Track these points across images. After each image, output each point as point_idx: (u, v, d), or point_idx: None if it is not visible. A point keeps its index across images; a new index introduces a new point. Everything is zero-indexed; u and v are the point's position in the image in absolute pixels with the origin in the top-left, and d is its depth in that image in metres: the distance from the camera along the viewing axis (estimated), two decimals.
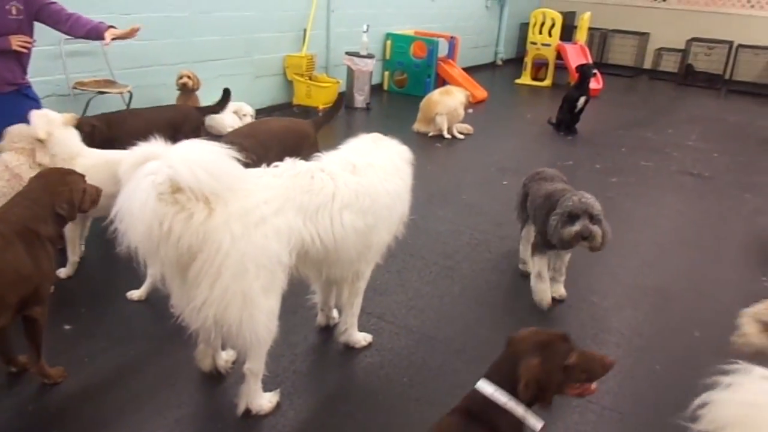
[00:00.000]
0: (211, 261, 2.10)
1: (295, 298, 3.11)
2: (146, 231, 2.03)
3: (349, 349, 2.92)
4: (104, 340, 2.86)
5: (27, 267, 2.28)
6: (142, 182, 2.05)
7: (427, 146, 6.48)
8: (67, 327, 2.92)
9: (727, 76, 11.26)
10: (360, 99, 7.65)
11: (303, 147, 3.91)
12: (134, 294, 3.15)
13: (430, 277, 3.66)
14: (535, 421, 1.73)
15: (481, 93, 8.83)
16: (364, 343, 2.95)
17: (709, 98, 10.49)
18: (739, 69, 11.25)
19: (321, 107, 7.05)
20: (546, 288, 3.33)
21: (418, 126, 6.92)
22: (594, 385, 1.80)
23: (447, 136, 6.78)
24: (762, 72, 11.14)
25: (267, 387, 2.49)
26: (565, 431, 2.49)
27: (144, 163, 2.11)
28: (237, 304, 2.18)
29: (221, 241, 2.09)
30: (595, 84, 9.57)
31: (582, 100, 6.94)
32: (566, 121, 7.21)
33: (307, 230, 2.31)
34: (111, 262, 3.39)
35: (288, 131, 4.10)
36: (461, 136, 6.86)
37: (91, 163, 3.13)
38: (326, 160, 2.51)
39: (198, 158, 2.08)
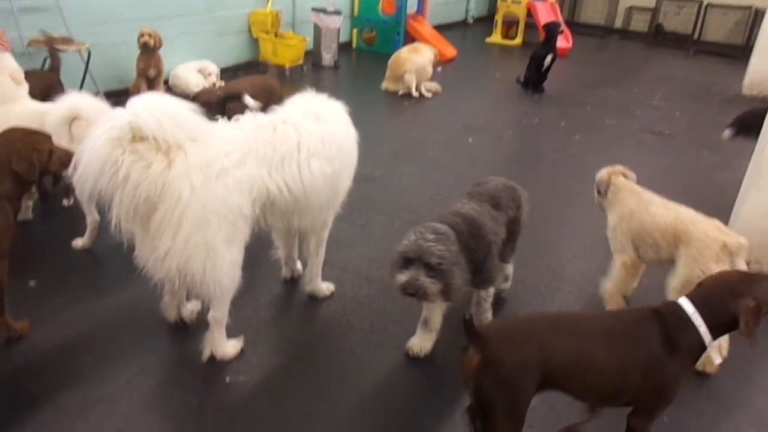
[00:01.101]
0: (171, 211, 2.15)
1: (260, 253, 3.20)
2: (101, 175, 2.07)
3: (312, 299, 3.02)
4: (69, 294, 2.91)
5: None
6: (102, 130, 2.09)
7: (396, 105, 6.50)
8: (32, 283, 2.96)
9: (696, 36, 11.38)
10: (327, 57, 7.58)
11: (271, 101, 3.99)
12: (78, 242, 3.26)
13: (393, 231, 3.75)
14: (716, 355, 2.00)
15: (451, 51, 8.81)
16: (327, 292, 3.04)
17: (677, 58, 10.61)
18: (708, 29, 11.35)
19: (288, 65, 6.99)
20: (428, 338, 2.65)
21: (386, 84, 6.91)
22: None
23: (415, 94, 6.79)
24: (730, 32, 11.26)
25: (231, 334, 2.58)
26: None
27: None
28: (199, 254, 2.24)
29: (181, 192, 2.14)
30: (564, 43, 9.62)
31: (549, 58, 6.99)
32: (534, 80, 7.26)
33: (273, 181, 2.37)
34: (77, 218, 3.40)
35: (255, 87, 4.15)
36: (429, 95, 6.88)
37: (18, 110, 3.16)
38: (288, 111, 2.55)
39: (162, 107, 2.12)
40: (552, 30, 7.07)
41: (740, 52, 10.35)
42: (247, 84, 4.30)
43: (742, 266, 2.50)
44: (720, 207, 3.72)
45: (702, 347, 1.88)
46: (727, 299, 1.87)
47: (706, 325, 1.86)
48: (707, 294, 1.93)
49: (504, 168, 4.93)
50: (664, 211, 2.80)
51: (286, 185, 2.39)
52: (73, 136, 2.78)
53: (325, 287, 3.04)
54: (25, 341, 2.55)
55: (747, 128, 4.22)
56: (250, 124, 2.39)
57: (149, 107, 2.10)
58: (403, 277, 2.25)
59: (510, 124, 6.14)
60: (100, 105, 2.82)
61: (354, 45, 8.89)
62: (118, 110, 2.12)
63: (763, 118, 3.59)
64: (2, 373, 2.41)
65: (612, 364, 1.86)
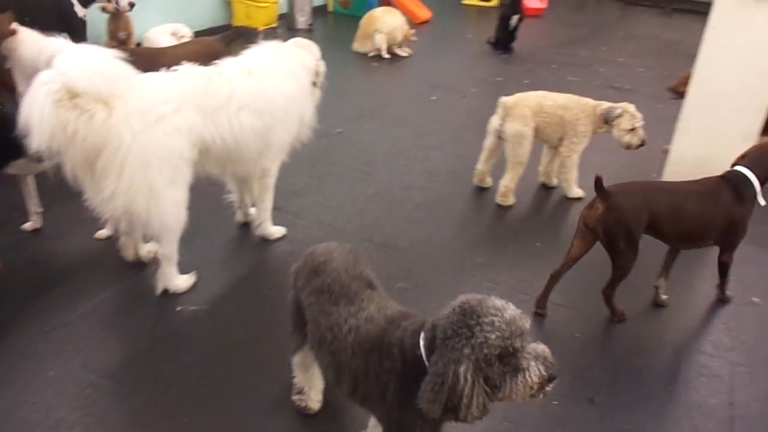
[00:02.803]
0: (114, 155, 2.36)
1: (215, 199, 3.43)
2: (51, 137, 2.22)
3: (265, 241, 3.26)
4: (23, 233, 3.16)
5: None
6: (38, 93, 2.19)
7: (365, 66, 6.65)
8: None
9: None
10: (302, 20, 7.69)
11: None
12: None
13: (348, 181, 3.98)
14: (762, 199, 2.69)
15: (425, 13, 8.91)
16: (278, 235, 3.28)
17: (653, 17, 10.70)
18: None
19: (261, 28, 7.11)
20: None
21: (357, 45, 7.05)
22: None
23: (386, 55, 6.94)
24: None
25: (186, 270, 2.83)
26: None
27: None
28: (143, 195, 2.44)
29: (122, 137, 2.34)
30: (538, 3, 9.71)
31: (515, 18, 7.12)
32: (503, 40, 7.41)
33: (207, 129, 2.57)
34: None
35: (196, 54, 4.20)
36: (404, 53, 7.04)
37: None
38: (223, 65, 2.74)
39: (89, 62, 2.27)
40: None
41: None
42: (188, 50, 4.26)
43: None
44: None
45: (756, 197, 2.67)
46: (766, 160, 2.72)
47: (758, 180, 2.67)
48: (754, 159, 2.72)
49: (462, 122, 5.13)
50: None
51: (219, 134, 2.59)
52: None
53: (276, 230, 3.27)
54: None
55: None
56: (186, 74, 2.59)
57: (77, 65, 2.23)
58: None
59: (474, 83, 6.30)
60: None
61: (330, 8, 8.97)
62: (48, 71, 2.23)
63: None
64: None
65: (699, 213, 2.65)
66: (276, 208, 3.29)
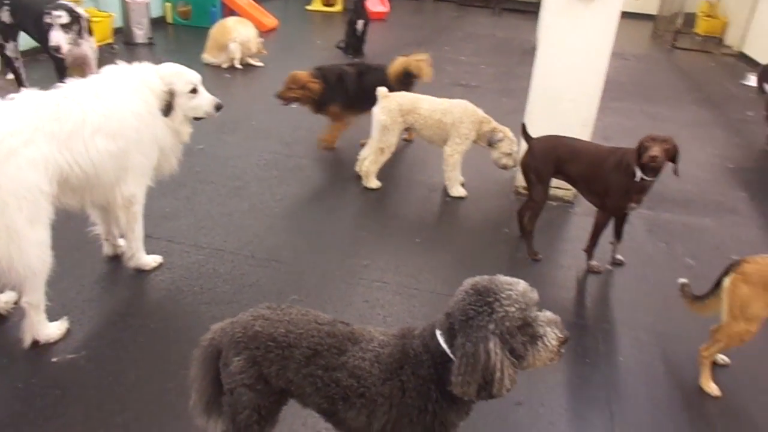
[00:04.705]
0: None
1: (77, 234, 3.15)
2: None
3: (141, 273, 3.05)
4: None
5: None
6: None
7: (218, 77, 6.46)
8: None
9: None
10: (140, 34, 7.26)
11: None
12: None
13: (220, 199, 3.85)
14: (639, 173, 2.99)
15: (271, 21, 8.83)
16: (154, 264, 3.08)
17: (484, 16, 11.53)
18: None
19: (96, 45, 6.59)
20: None
21: (208, 56, 6.82)
22: None
23: (239, 66, 6.79)
24: None
25: (55, 317, 2.57)
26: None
27: None
28: (3, 238, 2.20)
29: None
30: (381, 7, 10.04)
31: (360, 23, 7.31)
32: (353, 44, 7.56)
33: (63, 158, 2.37)
34: None
35: None
36: (258, 63, 6.94)
37: None
38: (67, 88, 2.53)
39: None
40: None
41: (537, 8, 11.47)
42: None
43: None
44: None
45: (635, 173, 3.02)
46: None
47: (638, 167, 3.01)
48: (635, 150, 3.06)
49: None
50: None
51: (77, 162, 2.41)
52: None
53: (151, 260, 3.08)
54: None
55: None
56: (30, 101, 2.35)
57: None
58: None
59: None
60: None
61: (169, 20, 8.56)
62: None
63: None
64: None
65: (590, 161, 3.21)
66: (147, 236, 3.09)
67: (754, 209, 4.39)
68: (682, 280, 2.69)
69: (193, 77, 2.93)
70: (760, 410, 2.48)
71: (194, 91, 2.92)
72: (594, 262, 3.36)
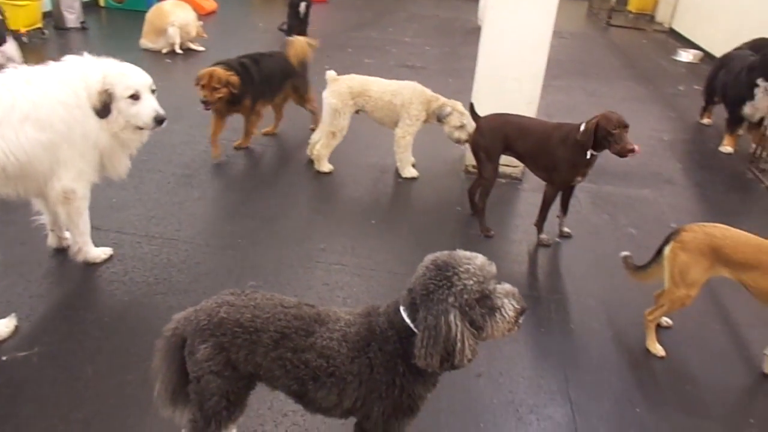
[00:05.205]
0: None
1: (20, 229, 3.03)
2: None
3: (90, 265, 2.96)
4: None
5: None
6: None
7: (158, 63, 6.27)
8: None
9: None
10: (72, 18, 6.94)
11: None
12: None
13: (169, 188, 3.76)
14: (590, 152, 3.08)
15: (211, 4, 8.60)
16: (104, 256, 3.00)
17: None
18: None
19: (24, 30, 6.28)
20: None
21: (146, 41, 6.59)
22: None
23: (179, 51, 6.59)
24: None
25: (2, 315, 2.47)
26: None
27: None
28: None
29: None
30: None
31: (303, 5, 7.22)
32: (296, 27, 7.45)
33: None
34: None
35: None
36: (199, 48, 6.75)
37: None
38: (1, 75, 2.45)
39: None
40: None
41: None
42: None
43: None
44: None
45: (584, 151, 3.12)
46: None
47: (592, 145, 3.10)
48: (589, 130, 3.09)
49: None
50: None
51: (10, 150, 2.36)
52: None
53: (101, 252, 2.99)
54: None
55: None
56: None
57: None
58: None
59: None
60: None
61: (102, 3, 8.21)
62: None
63: None
64: None
65: (538, 138, 3.29)
66: (95, 228, 3.00)
67: (690, 179, 4.63)
68: (624, 253, 2.82)
69: (135, 82, 2.69)
70: (700, 367, 2.65)
71: (135, 97, 2.68)
72: (543, 236, 3.48)
